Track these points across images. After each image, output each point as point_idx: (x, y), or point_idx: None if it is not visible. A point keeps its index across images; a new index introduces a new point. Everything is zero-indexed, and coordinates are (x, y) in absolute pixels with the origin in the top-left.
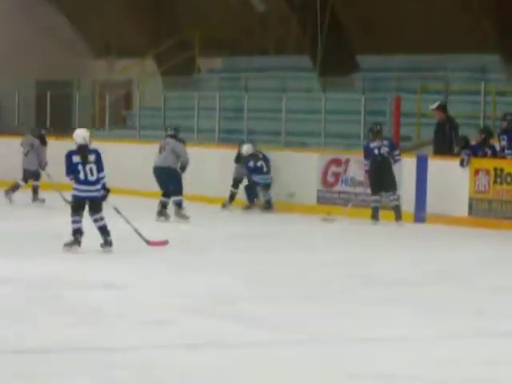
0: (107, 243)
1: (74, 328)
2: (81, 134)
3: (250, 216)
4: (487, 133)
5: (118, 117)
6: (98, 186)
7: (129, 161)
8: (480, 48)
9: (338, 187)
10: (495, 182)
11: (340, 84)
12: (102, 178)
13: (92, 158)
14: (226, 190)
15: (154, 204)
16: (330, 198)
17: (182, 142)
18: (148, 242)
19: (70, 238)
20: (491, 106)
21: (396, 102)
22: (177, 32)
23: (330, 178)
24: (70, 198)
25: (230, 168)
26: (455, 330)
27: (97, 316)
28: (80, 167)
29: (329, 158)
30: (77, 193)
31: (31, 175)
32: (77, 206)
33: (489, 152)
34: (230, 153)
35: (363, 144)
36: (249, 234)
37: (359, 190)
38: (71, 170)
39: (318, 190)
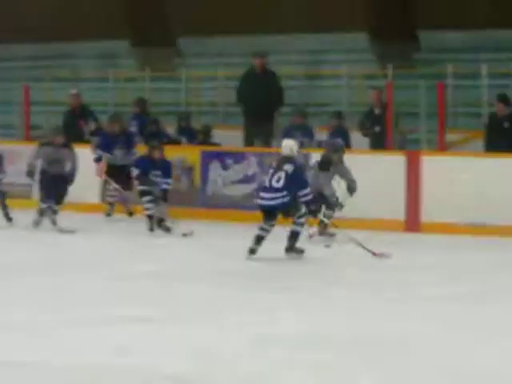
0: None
1: None
2: (288, 145)
3: None
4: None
5: None
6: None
7: None
8: (109, 34)
9: None
10: None
11: None
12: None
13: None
14: None
15: None
16: None
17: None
18: (374, 254)
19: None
20: (120, 92)
21: (24, 91)
22: None
23: None
24: None
25: None
26: None
27: None
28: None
29: None
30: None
31: None
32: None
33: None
34: None
35: None
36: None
37: None
38: None
39: None
